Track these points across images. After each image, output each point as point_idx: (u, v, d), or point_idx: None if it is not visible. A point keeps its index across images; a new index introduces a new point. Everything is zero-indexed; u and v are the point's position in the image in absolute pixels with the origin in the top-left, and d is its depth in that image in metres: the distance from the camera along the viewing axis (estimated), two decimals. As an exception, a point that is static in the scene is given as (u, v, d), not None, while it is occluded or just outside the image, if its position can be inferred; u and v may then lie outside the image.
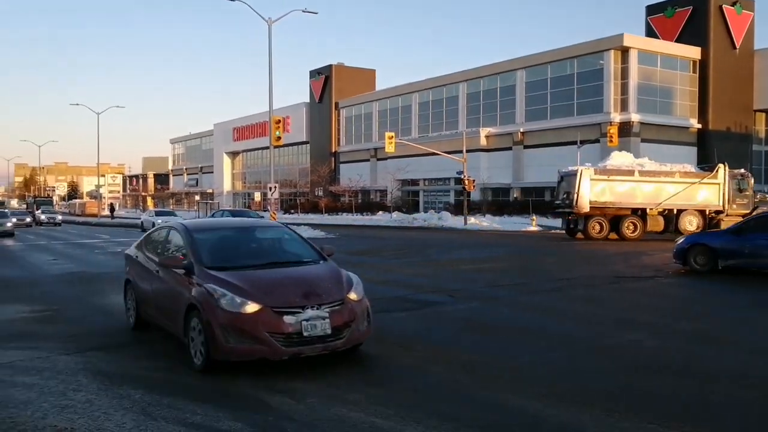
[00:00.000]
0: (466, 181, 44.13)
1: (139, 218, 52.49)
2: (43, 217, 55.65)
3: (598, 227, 27.95)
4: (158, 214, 44.36)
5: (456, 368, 7.00)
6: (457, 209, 52.04)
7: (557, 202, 30.26)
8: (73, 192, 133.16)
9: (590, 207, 27.46)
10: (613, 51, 49.12)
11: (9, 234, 37.62)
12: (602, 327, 9.44)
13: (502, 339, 8.68)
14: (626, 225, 27.72)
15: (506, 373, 6.85)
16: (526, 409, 5.67)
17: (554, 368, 7.10)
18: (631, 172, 27.94)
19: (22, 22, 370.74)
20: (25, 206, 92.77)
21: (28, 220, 53.43)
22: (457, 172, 47.82)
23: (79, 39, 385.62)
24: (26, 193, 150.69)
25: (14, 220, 43.83)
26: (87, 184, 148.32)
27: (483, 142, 57.78)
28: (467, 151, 47.42)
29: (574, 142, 45.06)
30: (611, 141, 41.31)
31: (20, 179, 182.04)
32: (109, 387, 6.36)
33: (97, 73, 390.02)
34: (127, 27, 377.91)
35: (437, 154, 49.72)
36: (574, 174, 27.94)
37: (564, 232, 30.43)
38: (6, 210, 49.13)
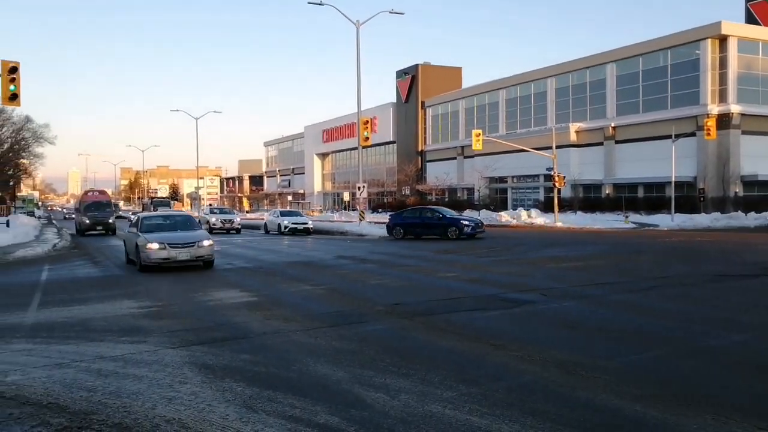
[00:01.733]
0: (556, 178, 43.41)
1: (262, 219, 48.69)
2: (214, 219, 42.65)
3: None
4: (284, 214, 41.83)
5: (550, 367, 6.93)
6: (546, 206, 51.28)
7: None
8: (174, 194, 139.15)
9: None
10: (710, 40, 47.07)
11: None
12: (703, 327, 9.09)
13: (597, 338, 8.51)
14: None
15: (603, 373, 6.69)
16: (626, 410, 5.54)
17: (653, 369, 6.92)
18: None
19: (127, 37, 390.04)
20: (141, 208, 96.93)
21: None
22: (547, 169, 47.11)
23: (179, 49, 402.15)
24: (131, 195, 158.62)
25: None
26: (187, 186, 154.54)
27: (573, 137, 56.61)
28: (557, 147, 46.62)
29: (668, 136, 43.54)
30: (708, 134, 39.69)
31: (125, 182, 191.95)
32: (212, 380, 6.62)
33: (195, 79, 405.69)
34: (222, 36, 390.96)
35: (526, 150, 49.11)
36: None
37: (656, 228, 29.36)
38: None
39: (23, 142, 45.01)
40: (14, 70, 21.56)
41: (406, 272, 16.73)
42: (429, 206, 40.44)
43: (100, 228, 40.90)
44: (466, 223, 30.62)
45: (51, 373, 7.00)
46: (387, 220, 34.93)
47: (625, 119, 53.25)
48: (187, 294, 13.44)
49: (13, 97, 21.78)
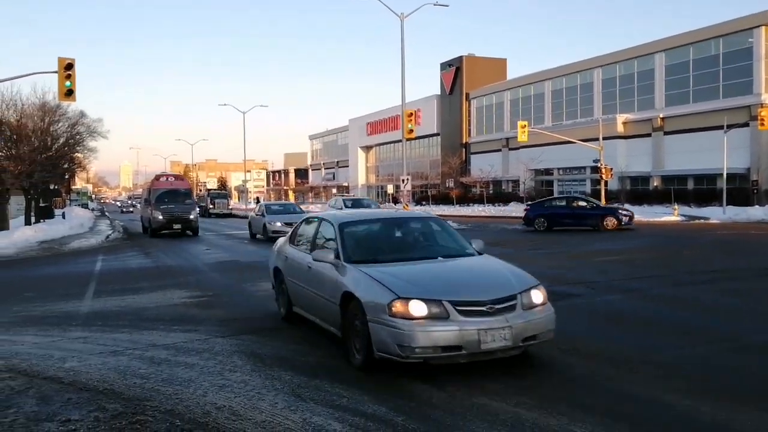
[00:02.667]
0: (603, 170, 42.73)
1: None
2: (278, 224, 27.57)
3: None
4: (350, 204, 34.65)
5: (598, 361, 6.87)
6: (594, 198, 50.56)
7: None
8: (222, 187, 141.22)
9: None
10: (764, 27, 45.55)
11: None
12: (753, 323, 8.89)
13: (644, 332, 8.36)
14: None
15: (651, 367, 6.61)
16: (675, 405, 5.47)
17: (701, 364, 6.80)
18: None
19: (178, 33, 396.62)
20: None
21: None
22: (593, 161, 46.39)
23: (226, 44, 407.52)
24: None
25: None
26: (234, 180, 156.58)
27: (620, 128, 55.59)
28: (603, 139, 45.84)
29: (719, 127, 42.37)
30: (762, 124, 38.48)
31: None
32: (261, 368, 6.74)
33: (243, 74, 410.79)
34: (268, 31, 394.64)
35: (572, 142, 48.44)
36: None
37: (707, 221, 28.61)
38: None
39: (78, 137, 46.07)
40: (70, 66, 22.15)
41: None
42: (574, 195, 38.11)
43: (177, 226, 30.79)
44: (625, 213, 29.44)
45: (106, 360, 7.22)
46: (526, 210, 32.42)
47: (674, 110, 52.04)
48: (236, 284, 13.69)
49: (69, 93, 22.38)
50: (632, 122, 55.43)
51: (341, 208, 31.24)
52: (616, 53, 58.44)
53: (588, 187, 58.02)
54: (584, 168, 57.14)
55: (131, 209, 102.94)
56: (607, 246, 21.44)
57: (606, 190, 45.16)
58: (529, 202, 36.33)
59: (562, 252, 19.80)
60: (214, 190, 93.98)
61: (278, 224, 25.39)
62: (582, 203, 30.91)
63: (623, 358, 6.99)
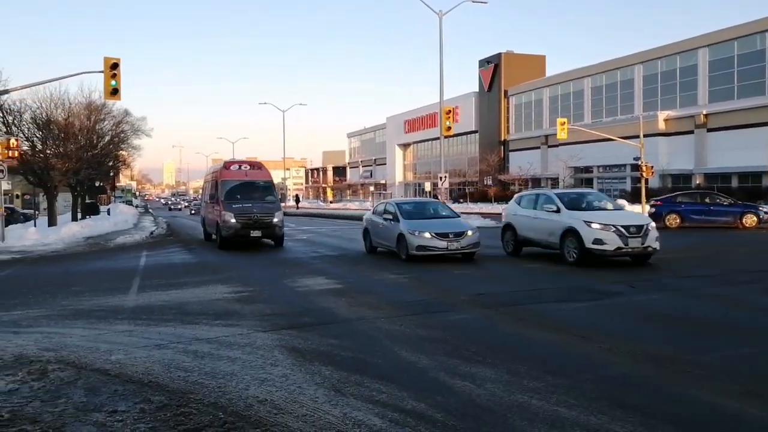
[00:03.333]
0: (644, 168, 41.96)
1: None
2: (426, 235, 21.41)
3: None
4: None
5: (639, 360, 6.79)
6: (633, 197, 49.68)
7: None
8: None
9: None
10: (812, 21, 44.51)
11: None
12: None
13: (689, 332, 8.23)
14: None
15: (695, 368, 6.51)
16: (721, 407, 5.37)
17: (750, 366, 6.65)
18: None
19: (218, 33, 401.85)
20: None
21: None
22: (634, 158, 45.62)
23: (266, 43, 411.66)
24: None
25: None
26: (274, 177, 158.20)
27: (661, 126, 54.63)
28: (644, 136, 45.00)
29: (765, 123, 41.43)
30: (810, 120, 37.54)
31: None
32: (302, 363, 6.82)
33: (283, 73, 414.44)
34: (306, 31, 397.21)
35: (612, 139, 47.70)
36: None
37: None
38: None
39: (122, 135, 47.05)
40: (115, 66, 22.62)
41: (489, 262, 16.64)
42: (708, 191, 35.13)
43: (256, 234, 21.99)
44: (766, 210, 28.06)
45: (151, 354, 7.38)
46: (654, 206, 30.75)
47: (718, 106, 50.93)
48: (276, 280, 13.85)
49: (114, 92, 22.87)
50: (674, 119, 54.42)
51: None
52: (657, 49, 57.43)
53: (628, 185, 57.19)
54: (624, 166, 56.34)
55: (180, 207, 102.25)
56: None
57: (647, 188, 44.40)
58: (657, 198, 33.78)
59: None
60: None
61: (427, 235, 16.65)
62: (719, 199, 28.93)
63: (667, 358, 6.89)
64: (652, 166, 43.69)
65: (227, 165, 24.53)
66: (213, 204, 23.76)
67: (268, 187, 23.98)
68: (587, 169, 62.67)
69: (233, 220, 21.50)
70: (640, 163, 42.47)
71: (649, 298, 10.82)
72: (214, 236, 24.01)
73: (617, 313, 9.55)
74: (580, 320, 8.99)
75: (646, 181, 43.93)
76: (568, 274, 13.78)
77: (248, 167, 24.41)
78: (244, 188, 23.06)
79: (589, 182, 63.36)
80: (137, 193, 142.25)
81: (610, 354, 7.11)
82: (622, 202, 33.86)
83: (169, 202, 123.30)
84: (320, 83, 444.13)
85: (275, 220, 22.10)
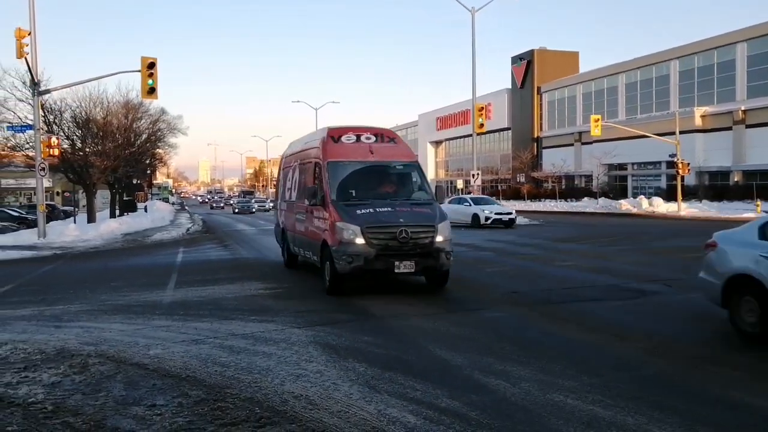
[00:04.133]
0: (680, 165, 41.33)
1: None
2: (487, 212, 30.76)
3: None
4: (477, 202, 32.56)
5: (678, 361, 6.70)
6: (669, 195, 48.93)
7: None
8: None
9: None
10: None
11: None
12: None
13: (728, 333, 7.99)
14: None
15: (735, 369, 6.40)
16: (763, 409, 5.28)
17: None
18: None
19: (251, 31, 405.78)
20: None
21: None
22: (669, 155, 44.97)
23: (299, 40, 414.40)
24: (255, 183, 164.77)
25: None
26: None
27: (698, 122, 53.69)
28: (680, 133, 44.30)
29: (808, 119, 40.49)
30: None
31: (250, 171, 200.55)
32: (336, 359, 6.87)
33: (315, 71, 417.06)
34: (338, 27, 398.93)
35: (647, 136, 47.03)
36: None
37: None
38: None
39: (159, 133, 47.78)
40: (152, 65, 22.99)
41: (522, 260, 16.56)
42: None
43: (406, 265, 10.91)
44: None
45: (188, 348, 7.50)
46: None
47: (757, 102, 49.85)
48: (309, 277, 13.92)
49: (151, 91, 23.24)
50: (711, 115, 53.47)
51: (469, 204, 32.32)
52: (694, 44, 56.44)
53: (664, 183, 56.38)
54: (659, 163, 55.52)
55: (222, 205, 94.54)
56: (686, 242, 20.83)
57: (683, 186, 43.70)
58: None
59: None
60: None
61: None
62: None
63: (706, 358, 6.80)
64: (689, 163, 43.01)
65: (335, 134, 12.98)
66: (307, 206, 13.09)
67: (410, 172, 13.17)
68: (621, 167, 61.89)
69: (361, 240, 10.99)
70: (676, 160, 41.84)
71: (687, 297, 10.62)
72: (312, 261, 13.41)
73: (654, 313, 9.42)
74: (616, 319, 8.90)
75: (682, 178, 43.26)
76: (604, 273, 13.64)
77: (373, 138, 13.06)
78: (370, 177, 12.68)
79: (623, 179, 62.59)
80: (173, 190, 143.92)
81: (647, 354, 7.02)
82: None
83: (212, 200, 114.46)
84: (352, 81, 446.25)
85: (439, 238, 11.32)
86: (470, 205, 31.68)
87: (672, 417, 5.06)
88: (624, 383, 5.96)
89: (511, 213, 31.38)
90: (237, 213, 64.42)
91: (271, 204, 60.94)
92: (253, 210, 66.39)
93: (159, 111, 47.04)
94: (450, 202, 33.74)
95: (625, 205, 44.83)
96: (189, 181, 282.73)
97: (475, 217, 30.67)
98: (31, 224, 34.04)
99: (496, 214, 30.65)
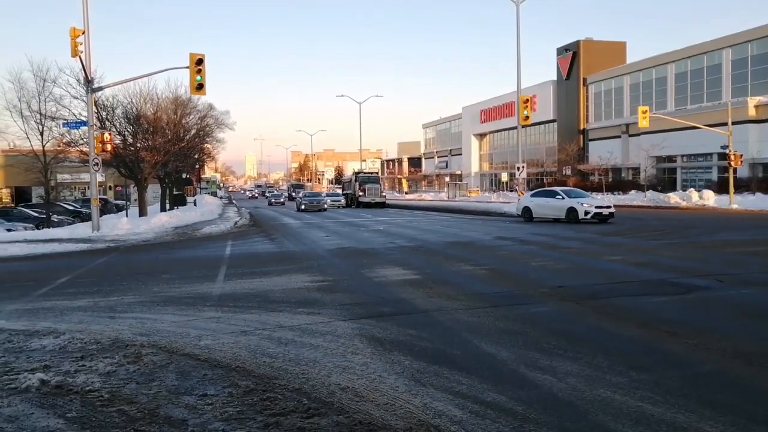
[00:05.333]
0: (732, 156, 40.29)
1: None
2: (587, 205, 28.15)
3: None
4: (572, 195, 29.84)
5: (730, 358, 6.54)
6: (720, 187, 47.76)
7: None
8: (339, 176, 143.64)
9: None
10: None
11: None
12: None
13: None
14: None
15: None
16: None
17: None
18: None
19: (296, 27, 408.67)
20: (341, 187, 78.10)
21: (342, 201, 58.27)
22: (721, 147, 43.85)
23: (344, 36, 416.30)
24: (300, 177, 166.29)
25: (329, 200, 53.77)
26: (350, 169, 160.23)
27: (752, 112, 52.16)
28: (733, 124, 43.17)
29: None
30: None
31: (295, 165, 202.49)
32: (381, 352, 6.92)
33: (359, 64, 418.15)
34: (383, 21, 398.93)
35: (697, 127, 45.96)
36: None
37: None
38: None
39: (207, 128, 48.62)
40: (200, 62, 23.39)
41: (568, 254, 16.39)
42: None
43: None
44: None
45: (237, 339, 7.65)
46: None
47: (815, 91, 48.37)
48: (355, 270, 14.05)
49: (200, 87, 23.67)
50: (766, 105, 51.91)
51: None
52: (748, 32, 54.79)
53: (714, 175, 55.00)
54: (710, 155, 54.20)
55: (282, 200, 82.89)
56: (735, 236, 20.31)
57: (735, 178, 42.60)
58: None
59: None
60: (363, 172, 65.53)
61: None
62: None
63: (759, 355, 6.63)
64: (741, 155, 41.91)
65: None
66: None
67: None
68: (670, 159, 60.61)
69: None
70: (728, 151, 40.82)
71: (739, 292, 10.39)
72: None
73: (704, 308, 9.23)
74: (665, 315, 8.73)
75: (735, 170, 42.19)
76: (652, 267, 13.42)
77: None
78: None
79: (672, 172, 61.27)
80: (221, 184, 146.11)
81: (698, 350, 6.89)
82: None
83: (270, 195, 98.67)
84: (396, 75, 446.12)
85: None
86: (563, 198, 28.79)
87: (725, 415, 4.97)
88: (674, 380, 5.87)
89: (610, 207, 28.70)
90: (303, 211, 50.25)
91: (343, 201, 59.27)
92: (325, 207, 52.10)
93: (207, 106, 47.88)
94: (534, 195, 31.39)
95: (674, 198, 43.92)
96: (236, 175, 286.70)
97: (572, 211, 27.77)
98: (85, 218, 35.12)
99: (596, 207, 27.96)
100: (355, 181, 56.85)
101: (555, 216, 28.86)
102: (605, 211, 27.94)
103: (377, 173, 70.17)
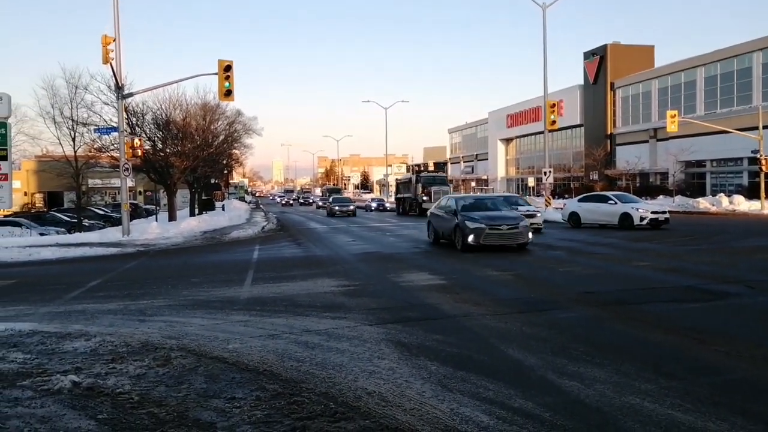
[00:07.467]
0: (763, 161, 39.66)
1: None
2: (642, 211, 26.72)
3: None
4: (622, 199, 28.31)
5: (762, 366, 6.46)
6: (751, 192, 46.95)
7: None
8: (365, 181, 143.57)
9: None
10: None
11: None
12: None
13: None
14: None
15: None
16: None
17: None
18: None
19: (324, 34, 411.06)
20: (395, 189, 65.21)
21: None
22: (752, 151, 43.14)
23: (370, 41, 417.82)
24: (326, 182, 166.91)
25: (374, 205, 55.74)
26: (376, 174, 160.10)
27: (783, 116, 51.31)
28: (764, 128, 42.46)
29: None
30: None
31: (322, 170, 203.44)
32: (408, 357, 6.92)
33: (385, 70, 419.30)
34: (409, 26, 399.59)
35: (727, 132, 45.31)
36: None
37: None
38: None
39: (235, 134, 49.10)
40: (228, 68, 23.65)
41: (595, 260, 16.25)
42: None
43: None
44: None
45: (265, 343, 7.72)
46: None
47: None
48: (380, 275, 14.09)
49: (228, 93, 23.92)
50: (798, 109, 51.00)
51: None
52: (779, 34, 53.95)
53: (745, 180, 54.09)
54: (741, 159, 53.29)
55: (311, 201, 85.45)
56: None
57: (766, 183, 41.92)
58: None
59: None
60: (428, 172, 52.48)
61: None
62: None
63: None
64: (774, 160, 41.20)
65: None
66: None
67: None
68: (699, 163, 59.73)
69: None
70: (759, 156, 40.16)
71: (771, 300, 10.27)
72: None
73: (735, 315, 9.10)
74: (694, 322, 8.62)
75: (766, 175, 41.51)
76: (681, 273, 13.26)
77: None
78: None
79: (701, 177, 60.39)
80: (249, 189, 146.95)
81: (729, 358, 6.80)
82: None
83: (304, 198, 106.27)
84: (422, 80, 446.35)
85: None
86: (616, 203, 27.38)
87: (757, 424, 4.90)
88: (704, 387, 5.80)
89: (665, 212, 27.03)
90: (341, 215, 46.87)
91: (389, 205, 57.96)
92: (355, 211, 48.74)
93: (235, 112, 48.36)
94: (582, 200, 29.90)
95: (704, 203, 43.30)
96: (263, 180, 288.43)
97: (626, 216, 26.36)
98: (116, 222, 35.62)
99: (652, 213, 26.35)
100: (417, 182, 45.72)
101: (606, 222, 27.38)
102: (661, 217, 26.42)
103: (444, 174, 55.76)
